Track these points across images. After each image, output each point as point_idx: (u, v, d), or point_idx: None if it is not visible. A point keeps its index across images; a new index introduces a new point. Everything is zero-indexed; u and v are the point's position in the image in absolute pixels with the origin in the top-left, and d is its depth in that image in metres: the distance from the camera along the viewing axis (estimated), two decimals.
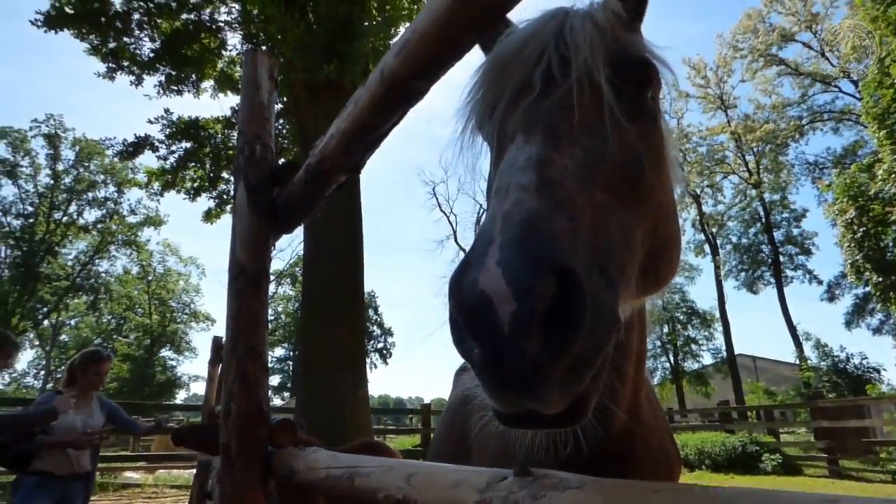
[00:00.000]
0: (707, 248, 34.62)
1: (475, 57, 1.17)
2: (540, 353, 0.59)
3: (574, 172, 0.78)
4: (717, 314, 33.28)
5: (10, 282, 30.51)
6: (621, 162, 0.87)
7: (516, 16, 1.08)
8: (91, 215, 34.94)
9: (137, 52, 11.48)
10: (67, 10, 10.43)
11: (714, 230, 34.82)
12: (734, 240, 35.32)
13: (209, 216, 13.34)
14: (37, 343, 36.29)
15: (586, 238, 0.71)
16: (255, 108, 1.94)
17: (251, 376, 1.63)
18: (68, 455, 3.77)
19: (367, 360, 16.01)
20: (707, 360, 35.77)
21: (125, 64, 11.50)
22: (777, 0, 30.68)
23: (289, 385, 40.03)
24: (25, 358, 38.82)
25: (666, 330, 35.37)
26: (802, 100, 31.58)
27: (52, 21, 10.35)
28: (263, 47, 9.15)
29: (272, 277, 1.62)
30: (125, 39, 11.21)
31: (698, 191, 34.15)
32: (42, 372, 36.41)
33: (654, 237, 0.91)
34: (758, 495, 0.53)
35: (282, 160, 2.13)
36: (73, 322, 38.71)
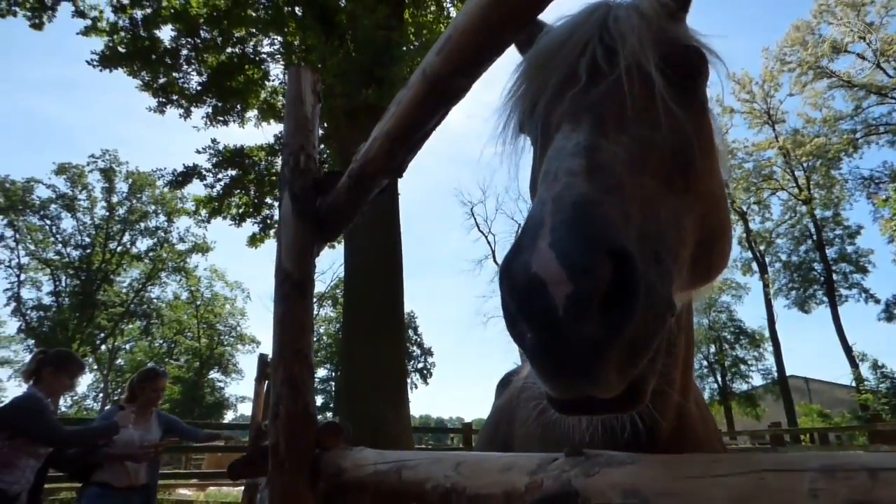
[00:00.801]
0: (755, 266, 33.38)
1: (514, 56, 1.20)
2: (596, 333, 0.58)
3: (624, 159, 0.77)
4: (767, 333, 31.86)
5: (70, 309, 32.08)
6: (671, 149, 0.85)
7: (555, 14, 1.09)
8: (143, 244, 36.60)
9: (185, 85, 12.11)
10: (120, 49, 11.13)
11: (762, 248, 33.58)
12: (783, 258, 33.95)
13: (254, 241, 13.77)
14: (95, 367, 37.79)
15: (638, 223, 0.69)
16: (299, 121, 2.01)
17: (298, 378, 1.66)
18: (127, 468, 3.91)
19: (408, 380, 16.01)
20: (757, 381, 34.20)
21: (174, 98, 12.15)
22: (828, 11, 29.83)
23: (331, 405, 40.37)
24: (85, 381, 40.50)
25: (713, 350, 34.02)
26: (856, 112, 30.30)
27: (107, 60, 11.06)
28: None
29: (314, 300, 1.69)
30: (174, 74, 11.86)
31: (745, 207, 33.11)
32: (101, 394, 37.84)
33: (704, 225, 0.89)
34: (827, 455, 0.50)
35: (325, 169, 2.19)
36: (128, 346, 40.22)
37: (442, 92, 1.22)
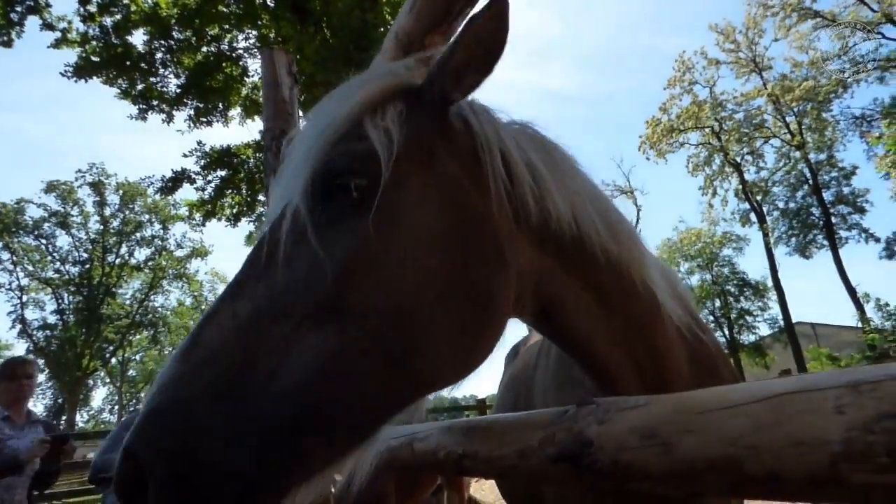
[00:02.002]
0: (753, 216, 33.33)
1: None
2: None
3: (242, 317, 0.79)
4: (770, 283, 31.97)
5: (76, 325, 32.13)
6: (305, 283, 0.82)
7: None
8: (141, 254, 36.50)
9: (165, 89, 11.95)
10: (94, 58, 10.94)
11: (759, 198, 33.49)
12: (781, 205, 33.86)
13: (251, 239, 13.73)
14: (107, 380, 38.09)
15: (223, 390, 0.75)
16: (277, 104, 1.96)
17: None
18: None
19: None
20: (764, 330, 34.42)
21: (154, 103, 11.99)
22: None
23: None
24: (99, 395, 40.82)
25: (718, 304, 34.16)
26: (843, 52, 29.93)
27: (81, 70, 10.89)
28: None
29: None
30: (151, 80, 11.69)
31: (738, 159, 32.94)
32: (116, 406, 38.12)
33: (382, 347, 0.81)
34: (850, 371, 0.47)
35: None
36: (138, 357, 40.47)
37: (416, 53, 1.17)
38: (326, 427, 0.76)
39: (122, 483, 0.69)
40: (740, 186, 32.88)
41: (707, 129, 33.25)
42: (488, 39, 0.95)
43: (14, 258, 31.90)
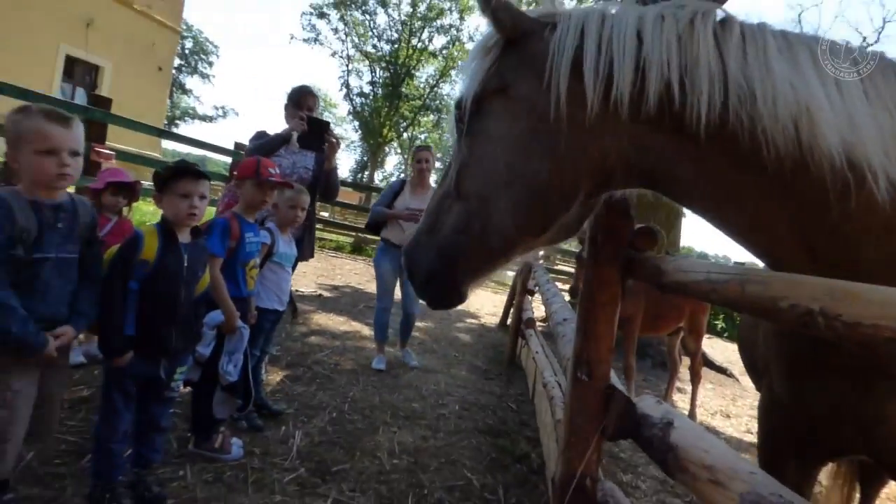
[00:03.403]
0: None
1: None
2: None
3: (440, 194, 1.44)
4: None
5: (382, 98, 37.56)
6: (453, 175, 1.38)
7: None
8: (438, 42, 39.16)
9: None
10: None
11: None
12: None
13: None
14: (398, 151, 45.05)
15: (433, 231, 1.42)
16: None
17: None
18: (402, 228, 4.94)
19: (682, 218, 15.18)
20: None
21: None
22: None
23: None
24: (391, 161, 49.06)
25: None
26: None
27: None
28: None
29: None
30: None
31: None
32: (401, 174, 45.56)
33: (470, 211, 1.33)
34: None
35: None
36: (422, 136, 46.33)
37: None
38: (463, 252, 1.33)
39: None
40: None
41: None
42: None
43: (346, 29, 37.28)
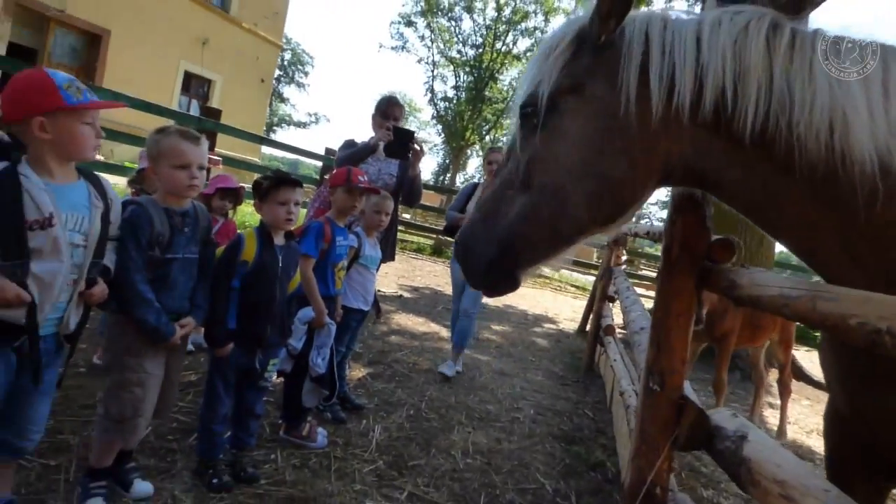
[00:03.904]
0: None
1: None
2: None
3: (496, 187, 1.48)
4: None
5: (466, 102, 37.98)
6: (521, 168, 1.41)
7: None
8: (523, 45, 38.90)
9: None
10: None
11: None
12: None
13: None
14: (480, 154, 45.25)
15: (492, 222, 1.44)
16: None
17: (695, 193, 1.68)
18: None
19: None
20: None
21: None
22: None
23: None
24: (472, 164, 49.43)
25: None
26: None
27: None
28: None
29: None
30: None
31: None
32: (481, 177, 45.76)
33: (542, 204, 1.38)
34: None
35: None
36: (504, 139, 46.26)
37: None
38: (527, 240, 1.38)
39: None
40: None
41: None
42: None
43: (433, 36, 38.10)
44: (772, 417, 5.79)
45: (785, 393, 5.20)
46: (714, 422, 1.62)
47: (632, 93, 1.25)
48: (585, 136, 1.31)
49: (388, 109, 4.08)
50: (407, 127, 4.05)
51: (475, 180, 5.78)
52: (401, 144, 3.85)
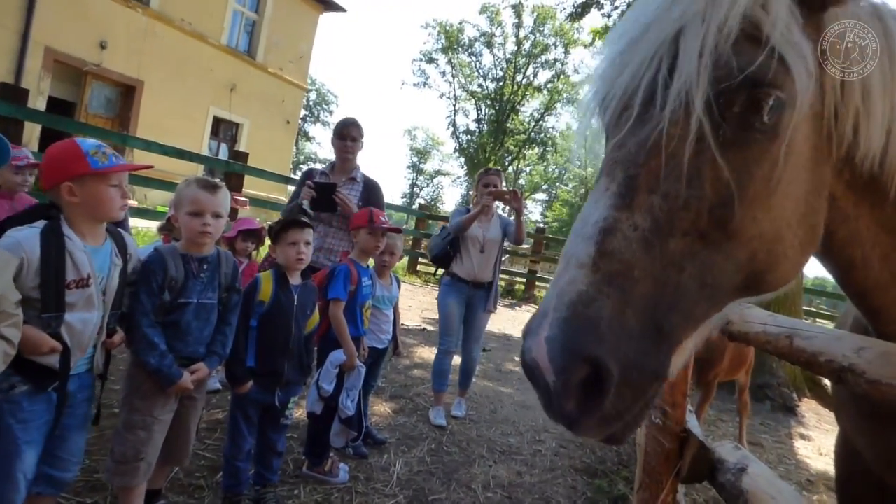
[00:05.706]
0: None
1: None
2: (573, 411, 0.75)
3: (645, 229, 0.78)
4: None
5: (488, 134, 38.58)
6: (709, 203, 0.80)
7: None
8: (543, 77, 39.55)
9: None
10: None
11: None
12: None
13: None
14: (504, 185, 45.59)
15: (641, 304, 0.76)
16: None
17: None
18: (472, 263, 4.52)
19: None
20: None
21: None
22: None
23: None
24: None
25: None
26: None
27: None
28: None
29: None
30: None
31: None
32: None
33: (751, 265, 0.85)
34: None
35: None
36: (527, 169, 46.64)
37: None
38: (693, 321, 0.83)
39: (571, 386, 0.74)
40: None
41: None
42: None
43: (453, 72, 39.05)
44: (802, 449, 5.60)
45: (743, 410, 5.27)
46: (716, 454, 1.64)
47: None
48: (808, 159, 0.90)
49: (344, 130, 4.07)
50: (328, 181, 3.95)
51: (462, 207, 5.22)
52: (326, 198, 3.83)
